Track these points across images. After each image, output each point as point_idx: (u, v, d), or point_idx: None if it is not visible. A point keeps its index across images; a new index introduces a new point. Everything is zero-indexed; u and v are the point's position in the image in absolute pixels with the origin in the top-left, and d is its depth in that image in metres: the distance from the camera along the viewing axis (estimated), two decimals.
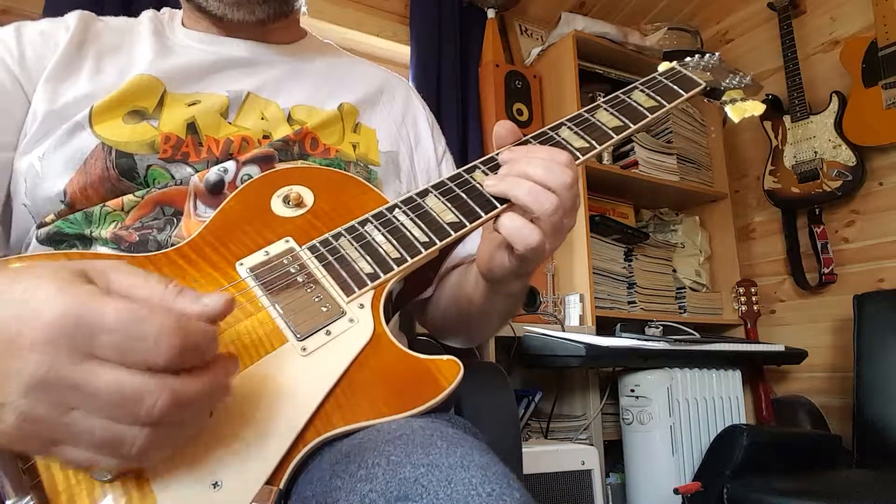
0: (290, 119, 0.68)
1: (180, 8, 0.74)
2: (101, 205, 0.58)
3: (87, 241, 0.57)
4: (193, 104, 0.64)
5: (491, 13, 2.11)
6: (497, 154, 0.56)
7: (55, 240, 0.58)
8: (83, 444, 0.30)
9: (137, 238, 0.56)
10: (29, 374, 0.28)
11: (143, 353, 0.29)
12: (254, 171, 0.62)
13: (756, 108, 0.77)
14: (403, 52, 2.03)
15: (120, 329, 0.28)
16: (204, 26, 0.70)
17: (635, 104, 0.64)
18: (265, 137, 0.65)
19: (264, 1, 0.66)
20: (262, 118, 0.67)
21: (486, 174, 0.55)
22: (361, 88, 0.76)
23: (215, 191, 0.60)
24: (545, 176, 0.50)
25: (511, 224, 0.50)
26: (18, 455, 0.36)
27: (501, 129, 0.56)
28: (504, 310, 0.66)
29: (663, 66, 0.73)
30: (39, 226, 0.58)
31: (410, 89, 0.85)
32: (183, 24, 0.72)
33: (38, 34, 0.64)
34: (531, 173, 0.51)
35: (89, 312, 0.28)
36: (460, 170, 0.56)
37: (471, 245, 0.75)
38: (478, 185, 0.54)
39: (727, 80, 0.76)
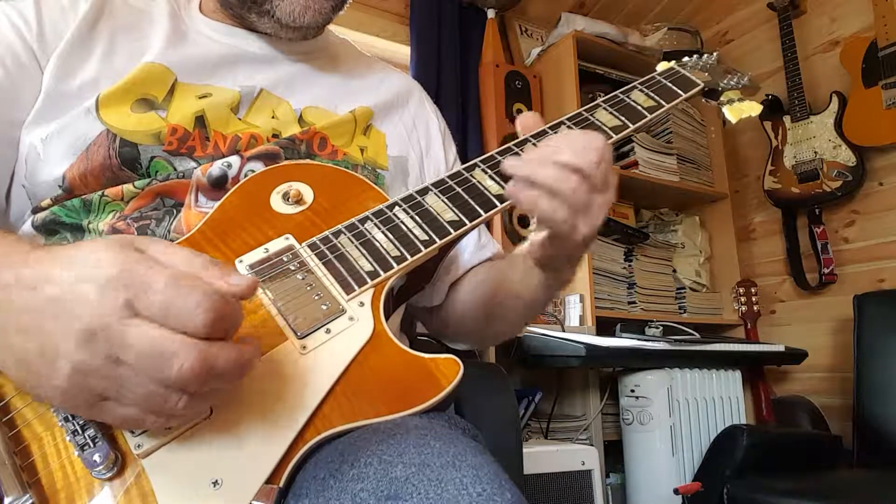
0: (301, 120, 0.67)
1: None
2: (101, 193, 0.57)
3: (82, 232, 0.56)
4: (204, 97, 0.63)
5: (491, 13, 2.10)
6: (513, 144, 0.57)
7: (49, 229, 0.57)
8: (130, 400, 0.33)
9: (136, 232, 0.55)
10: (83, 326, 0.31)
11: (184, 315, 0.31)
12: (258, 167, 0.61)
13: (753, 108, 0.77)
14: (403, 52, 2.03)
15: (167, 291, 0.31)
16: (222, 17, 0.69)
17: (634, 104, 0.64)
18: (274, 136, 0.64)
19: (333, 9, 0.68)
20: (273, 117, 0.65)
21: (486, 172, 0.55)
22: (378, 94, 0.75)
23: (218, 185, 0.59)
24: (571, 158, 0.49)
25: (528, 200, 0.49)
26: (17, 452, 0.36)
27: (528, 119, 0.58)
28: (545, 300, 0.65)
29: (662, 66, 0.73)
30: (35, 210, 0.58)
31: (423, 94, 0.83)
32: (200, 10, 0.69)
33: (57, 7, 0.61)
34: (557, 158, 0.49)
35: (142, 273, 0.32)
36: (460, 168, 0.56)
37: (487, 249, 0.76)
38: (478, 184, 0.54)
39: (725, 81, 0.77)
